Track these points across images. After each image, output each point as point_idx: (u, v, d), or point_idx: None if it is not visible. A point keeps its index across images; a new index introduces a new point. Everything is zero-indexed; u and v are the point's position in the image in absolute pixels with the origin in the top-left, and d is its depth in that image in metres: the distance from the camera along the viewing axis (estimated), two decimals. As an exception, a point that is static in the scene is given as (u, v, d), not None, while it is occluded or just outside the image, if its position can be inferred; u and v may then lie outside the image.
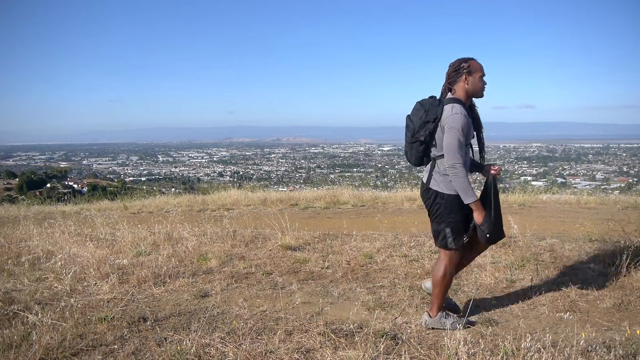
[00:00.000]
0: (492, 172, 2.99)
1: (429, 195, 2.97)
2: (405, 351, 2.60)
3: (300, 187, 29.15)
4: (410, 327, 3.01)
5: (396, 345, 2.73)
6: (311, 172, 53.41)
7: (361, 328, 2.97)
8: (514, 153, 60.43)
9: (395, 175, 45.49)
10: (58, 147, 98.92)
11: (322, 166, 57.57)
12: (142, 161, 66.54)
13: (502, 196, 9.36)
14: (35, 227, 5.99)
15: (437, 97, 2.97)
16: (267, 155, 68.76)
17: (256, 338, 2.86)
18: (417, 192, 9.58)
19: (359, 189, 11.64)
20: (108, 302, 3.58)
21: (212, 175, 53.98)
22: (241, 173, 54.01)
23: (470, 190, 2.79)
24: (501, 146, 68.38)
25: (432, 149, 2.93)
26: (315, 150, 72.82)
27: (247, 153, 72.72)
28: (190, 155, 71.56)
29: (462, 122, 2.78)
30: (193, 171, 58.19)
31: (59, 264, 4.33)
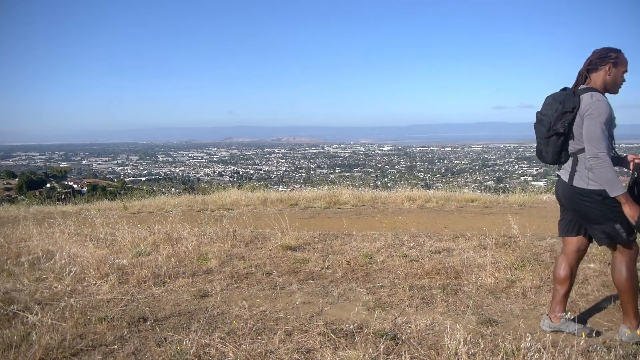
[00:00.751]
0: (637, 161, 2.67)
1: (575, 195, 2.67)
2: (405, 351, 2.60)
3: (300, 187, 29.15)
4: (410, 327, 3.00)
5: (396, 346, 2.72)
6: (311, 172, 53.38)
7: (361, 328, 2.97)
8: (514, 153, 60.34)
9: (395, 175, 45.49)
10: (58, 147, 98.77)
11: (322, 166, 57.54)
12: (142, 161, 66.49)
13: (501, 196, 9.34)
14: (35, 227, 5.99)
15: (570, 89, 2.72)
16: (267, 155, 68.70)
17: (256, 338, 2.86)
18: (417, 192, 9.54)
19: (359, 189, 11.65)
20: (108, 302, 3.58)
21: (212, 175, 53.95)
22: (241, 173, 53.99)
23: (617, 181, 2.50)
24: (501, 146, 68.33)
25: (571, 142, 2.67)
26: (315, 150, 72.77)
27: (247, 153, 72.66)
28: (190, 155, 71.51)
29: (606, 109, 2.53)
30: (193, 171, 58.15)
31: (59, 264, 4.34)
